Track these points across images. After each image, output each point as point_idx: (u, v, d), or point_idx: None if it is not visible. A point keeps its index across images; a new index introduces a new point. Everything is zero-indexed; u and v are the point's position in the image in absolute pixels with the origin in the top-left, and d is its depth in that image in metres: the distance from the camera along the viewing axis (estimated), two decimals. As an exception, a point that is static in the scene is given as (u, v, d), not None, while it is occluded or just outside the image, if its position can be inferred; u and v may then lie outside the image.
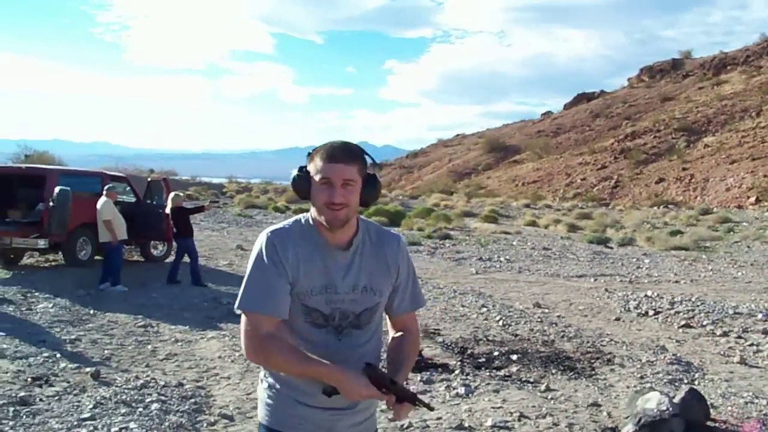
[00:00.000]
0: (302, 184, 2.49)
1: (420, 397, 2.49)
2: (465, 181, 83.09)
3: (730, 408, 6.68)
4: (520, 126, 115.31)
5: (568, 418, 6.20)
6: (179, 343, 8.79)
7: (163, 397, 6.50)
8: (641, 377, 7.68)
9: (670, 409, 5.62)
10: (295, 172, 2.51)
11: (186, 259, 13.29)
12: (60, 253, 14.51)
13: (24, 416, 5.75)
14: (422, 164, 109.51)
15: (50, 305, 10.50)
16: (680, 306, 12.10)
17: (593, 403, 6.69)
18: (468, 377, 7.50)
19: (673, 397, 5.90)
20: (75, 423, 5.66)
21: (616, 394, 7.07)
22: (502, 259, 19.40)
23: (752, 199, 44.31)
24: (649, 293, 13.46)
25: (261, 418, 2.61)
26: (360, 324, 2.54)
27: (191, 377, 7.34)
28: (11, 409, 5.87)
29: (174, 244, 14.45)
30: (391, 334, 2.76)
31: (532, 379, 7.49)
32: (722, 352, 9.10)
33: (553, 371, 7.83)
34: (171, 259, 14.63)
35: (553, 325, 10.38)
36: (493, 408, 6.46)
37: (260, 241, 2.49)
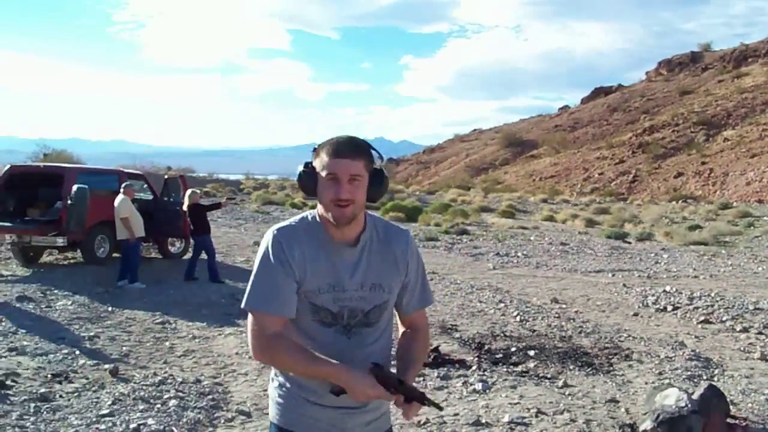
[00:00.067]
0: (308, 180, 2.45)
1: (429, 396, 2.46)
2: (482, 176, 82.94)
3: (750, 405, 6.64)
4: (537, 121, 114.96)
5: (585, 414, 6.17)
6: (197, 340, 8.83)
7: (180, 394, 6.53)
8: (660, 373, 7.64)
9: (689, 405, 5.57)
10: (300, 168, 2.47)
11: (203, 255, 13.35)
12: (78, 250, 14.58)
13: (44, 412, 5.80)
14: (439, 160, 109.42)
15: (69, 302, 10.57)
16: (699, 301, 12.02)
17: (611, 399, 6.66)
18: (485, 373, 7.48)
19: (692, 394, 5.85)
20: (94, 419, 5.69)
21: (634, 390, 7.03)
22: (519, 254, 19.35)
23: (772, 193, 43.94)
24: (667, 288, 13.37)
25: (272, 417, 2.58)
26: (369, 322, 2.50)
27: (209, 374, 7.37)
28: (32, 405, 5.92)
29: (191, 241, 14.51)
30: (401, 331, 2.71)
31: (549, 375, 7.47)
32: (742, 348, 9.02)
33: (571, 367, 7.80)
34: (188, 256, 14.68)
35: (571, 321, 10.34)
36: (511, 404, 6.44)
37: (266, 239, 2.46)
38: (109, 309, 10.35)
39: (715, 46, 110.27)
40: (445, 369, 7.56)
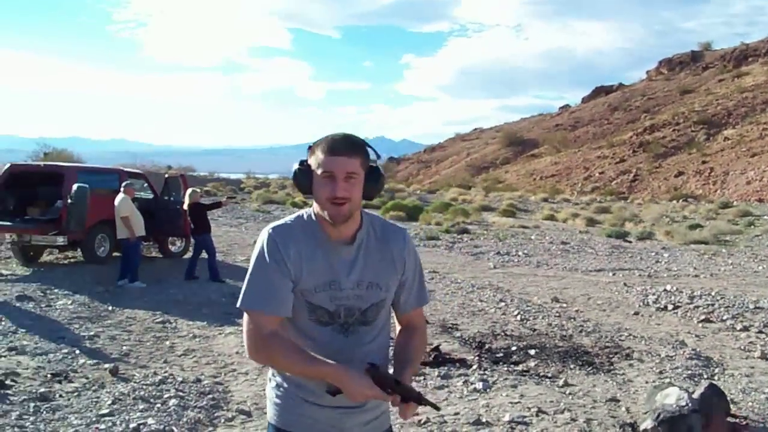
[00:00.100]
0: (303, 178, 2.42)
1: (426, 396, 2.45)
2: (483, 175, 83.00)
3: (750, 404, 6.62)
4: (537, 120, 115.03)
5: (586, 414, 6.16)
6: (197, 339, 8.82)
7: (181, 393, 6.52)
8: (660, 372, 7.63)
9: (690, 404, 5.57)
10: (295, 166, 2.45)
11: (204, 255, 13.35)
12: (79, 249, 14.58)
13: (44, 412, 5.79)
14: (440, 159, 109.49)
15: (69, 302, 10.57)
16: (700, 300, 12.01)
17: (612, 399, 6.65)
18: (486, 372, 7.47)
19: (693, 393, 5.84)
20: (94, 419, 5.68)
21: (634, 389, 7.02)
22: (520, 253, 19.34)
23: (773, 192, 43.92)
24: (668, 287, 13.36)
25: (270, 418, 2.57)
26: (366, 320, 2.48)
27: (209, 373, 7.36)
28: (32, 404, 5.92)
29: (192, 240, 14.50)
30: (398, 330, 2.69)
31: (550, 374, 7.46)
32: (743, 347, 9.01)
33: (572, 366, 7.79)
34: (189, 255, 14.68)
35: (572, 320, 10.33)
36: (511, 403, 6.43)
37: (262, 238, 2.44)
38: (110, 308, 10.35)
39: (715, 45, 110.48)
40: (446, 368, 7.55)
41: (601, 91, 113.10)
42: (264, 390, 6.64)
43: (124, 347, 8.24)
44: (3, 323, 8.98)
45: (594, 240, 23.72)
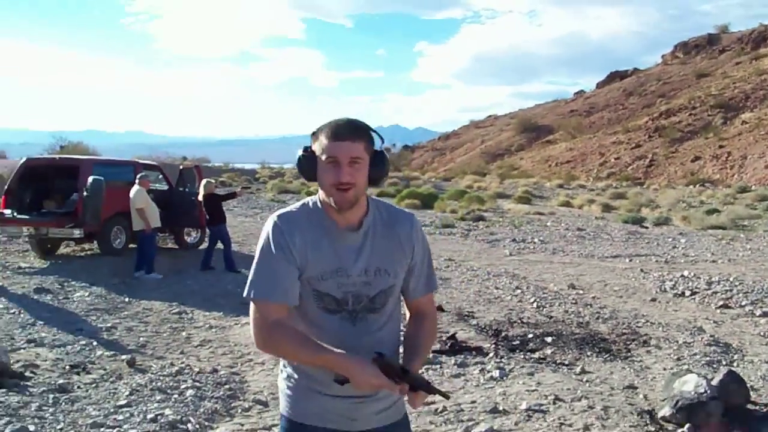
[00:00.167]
0: (307, 164, 2.39)
1: (440, 384, 2.42)
2: (498, 162, 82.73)
3: (769, 389, 6.58)
4: (552, 106, 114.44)
5: (603, 401, 6.13)
6: (213, 330, 8.85)
7: (197, 384, 6.55)
8: (678, 359, 7.58)
9: (708, 391, 5.53)
10: (299, 152, 2.41)
11: (219, 245, 13.38)
12: (95, 242, 14.66)
13: (63, 403, 5.83)
14: (454, 146, 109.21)
15: (86, 294, 10.63)
16: (718, 286, 11.94)
17: (629, 386, 6.62)
18: (502, 360, 7.46)
19: (711, 380, 5.81)
20: (112, 410, 5.71)
21: (652, 376, 6.98)
22: (536, 240, 19.28)
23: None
24: (685, 273, 13.29)
25: (282, 409, 2.55)
26: (375, 307, 2.44)
27: (225, 363, 7.38)
28: (51, 396, 5.95)
29: (207, 231, 14.54)
30: (408, 318, 2.65)
31: (567, 362, 7.43)
32: (762, 333, 8.94)
33: (588, 353, 7.76)
34: (204, 246, 14.72)
35: (588, 307, 10.29)
36: (528, 391, 6.41)
37: (267, 226, 2.42)
38: (126, 300, 10.40)
39: (732, 27, 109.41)
40: (462, 356, 7.54)
41: (616, 76, 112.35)
42: (280, 380, 6.67)
43: (141, 338, 8.28)
44: (22, 316, 9.05)
45: (610, 226, 23.61)
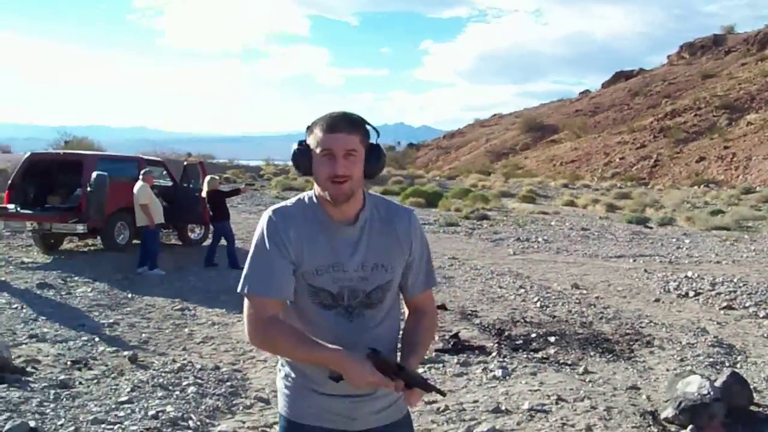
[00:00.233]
0: (303, 158, 2.37)
1: (443, 383, 2.40)
2: (502, 161, 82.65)
3: (773, 391, 6.55)
4: (557, 105, 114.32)
5: (606, 402, 6.11)
6: (216, 326, 8.84)
7: (199, 381, 6.54)
8: (681, 360, 7.56)
9: (712, 393, 5.51)
10: (294, 146, 2.40)
11: (223, 242, 13.38)
12: (98, 237, 14.66)
13: (64, 399, 5.82)
14: (459, 145, 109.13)
15: (89, 289, 10.63)
16: (721, 287, 11.90)
17: (632, 386, 6.60)
18: (505, 359, 7.44)
19: (715, 381, 5.78)
20: (113, 406, 5.70)
21: (655, 377, 6.96)
22: (540, 239, 19.24)
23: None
24: (689, 274, 13.26)
25: (280, 409, 2.53)
26: (372, 303, 2.41)
27: (228, 360, 7.37)
28: (52, 391, 5.94)
29: (211, 227, 14.54)
30: (407, 315, 2.61)
31: (570, 362, 7.41)
32: (766, 335, 8.91)
33: (592, 353, 7.74)
34: (208, 242, 14.72)
35: (592, 307, 10.27)
36: (531, 391, 6.39)
37: (262, 221, 2.41)
38: (129, 296, 10.40)
39: (738, 28, 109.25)
40: (465, 355, 7.53)
41: (621, 76, 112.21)
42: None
43: (143, 335, 8.27)
44: (24, 311, 9.05)
45: (614, 226, 23.57)
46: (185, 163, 17.90)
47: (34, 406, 5.57)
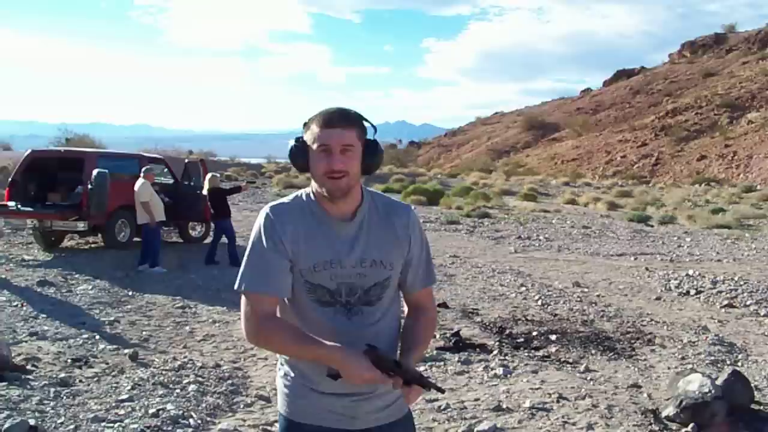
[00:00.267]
0: (300, 154, 2.36)
1: (444, 382, 2.38)
2: (504, 159, 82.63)
3: (775, 390, 6.54)
4: (559, 104, 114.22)
5: (607, 400, 6.10)
6: (217, 324, 8.83)
7: (200, 379, 6.53)
8: (682, 358, 7.55)
9: (713, 391, 5.50)
10: (291, 143, 2.39)
11: (224, 240, 13.37)
12: (99, 235, 14.65)
13: (64, 397, 5.80)
14: (461, 143, 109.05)
15: (90, 287, 10.61)
16: (723, 285, 11.89)
17: (633, 385, 6.59)
18: (506, 357, 7.43)
19: (716, 379, 5.77)
20: (113, 404, 5.69)
21: (656, 375, 6.95)
22: (541, 237, 19.24)
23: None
24: (690, 272, 13.24)
25: (280, 408, 2.51)
26: (370, 300, 2.39)
27: (228, 358, 7.36)
28: (52, 389, 5.93)
29: (212, 225, 14.53)
30: (406, 312, 2.59)
31: (571, 360, 7.40)
32: (766, 333, 8.91)
33: (593, 352, 7.73)
34: (209, 240, 14.70)
35: (593, 305, 10.26)
36: (532, 389, 6.39)
37: (259, 218, 2.39)
38: (130, 293, 10.38)
39: (739, 27, 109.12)
40: (466, 353, 7.51)
41: (622, 75, 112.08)
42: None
43: (144, 332, 8.26)
44: (24, 308, 9.04)
45: (615, 224, 23.56)
46: (186, 160, 17.89)
47: (34, 404, 5.56)
